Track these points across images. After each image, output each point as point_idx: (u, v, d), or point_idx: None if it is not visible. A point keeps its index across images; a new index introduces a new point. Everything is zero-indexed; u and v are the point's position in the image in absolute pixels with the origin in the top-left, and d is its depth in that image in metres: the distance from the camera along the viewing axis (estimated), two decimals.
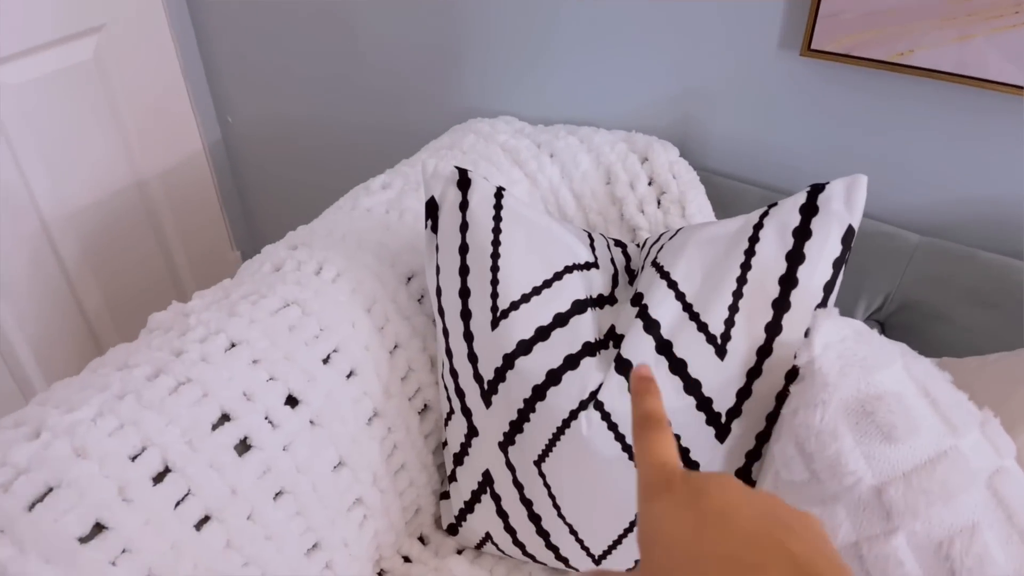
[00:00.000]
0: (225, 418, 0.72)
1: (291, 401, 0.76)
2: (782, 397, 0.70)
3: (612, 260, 0.83)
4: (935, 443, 0.56)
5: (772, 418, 0.71)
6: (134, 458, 0.65)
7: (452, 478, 0.88)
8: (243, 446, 0.72)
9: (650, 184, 0.98)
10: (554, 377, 0.72)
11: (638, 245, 0.91)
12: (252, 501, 0.71)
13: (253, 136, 1.59)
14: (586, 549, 0.80)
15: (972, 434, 0.57)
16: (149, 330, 0.80)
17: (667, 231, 0.83)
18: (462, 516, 0.88)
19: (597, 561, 0.81)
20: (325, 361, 0.80)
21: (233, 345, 0.77)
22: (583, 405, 0.70)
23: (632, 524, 0.76)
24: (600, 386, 0.71)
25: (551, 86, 1.13)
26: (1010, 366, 0.70)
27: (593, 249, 0.81)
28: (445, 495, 0.91)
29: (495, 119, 1.14)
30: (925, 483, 0.55)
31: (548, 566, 0.87)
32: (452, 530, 0.90)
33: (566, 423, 0.71)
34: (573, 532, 0.79)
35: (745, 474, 0.73)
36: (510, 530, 0.83)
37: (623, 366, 0.70)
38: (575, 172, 1.01)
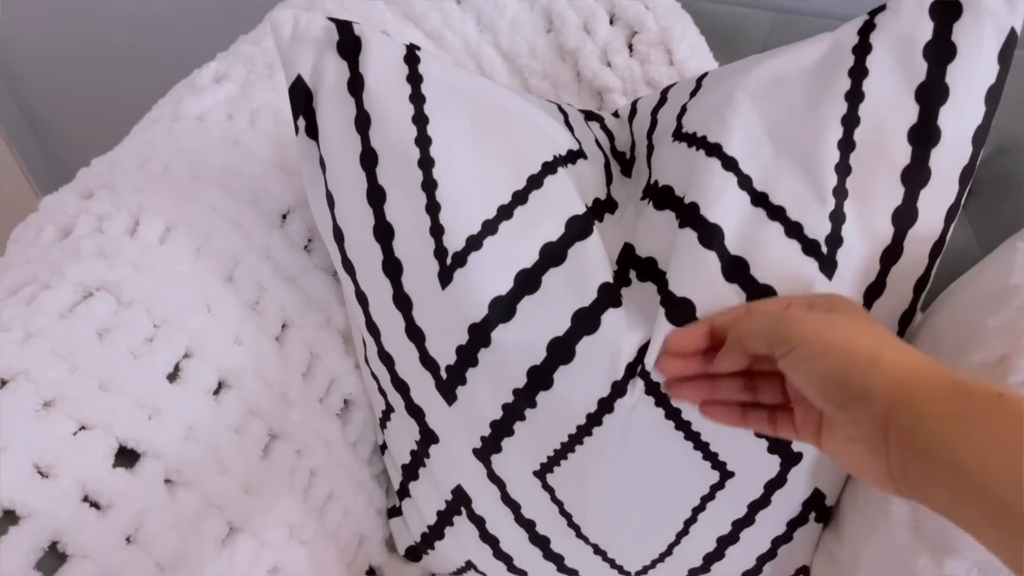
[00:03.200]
0: (9, 520, 0.41)
1: (125, 458, 0.46)
2: (907, 319, 0.45)
3: (597, 142, 0.54)
4: None
5: None
6: None
7: (404, 493, 0.60)
8: (54, 558, 0.42)
9: (612, 24, 0.68)
10: (562, 350, 0.44)
11: (615, 114, 0.62)
12: None
13: (29, 37, 1.16)
14: (618, 568, 0.56)
15: None
16: None
17: (674, 85, 0.55)
18: (427, 543, 0.61)
19: None
20: (172, 378, 0.49)
21: (1, 384, 0.44)
22: (619, 389, 0.43)
23: (688, 525, 0.51)
24: (643, 351, 0.43)
25: None
26: None
27: (571, 128, 0.51)
28: (394, 511, 0.64)
29: None
30: None
31: None
32: (413, 555, 0.64)
33: (594, 419, 0.44)
34: (600, 552, 0.54)
35: None
36: (503, 557, 0.57)
37: (680, 309, 0.43)
38: (499, 21, 0.70)
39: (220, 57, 0.70)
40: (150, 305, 0.49)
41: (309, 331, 0.56)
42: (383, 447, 0.61)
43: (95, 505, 0.44)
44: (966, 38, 0.40)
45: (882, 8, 0.43)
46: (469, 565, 0.60)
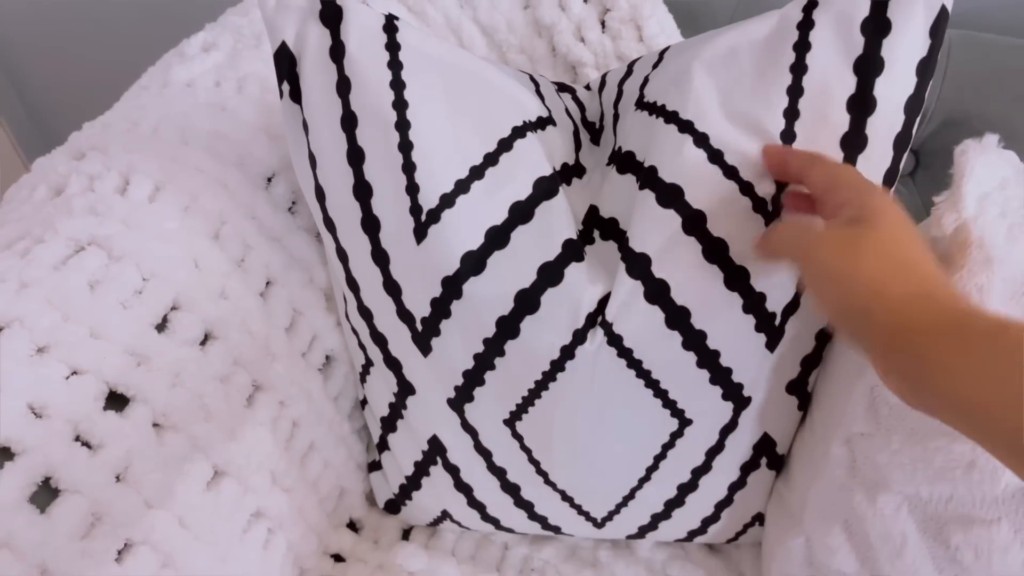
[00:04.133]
0: (4, 455, 0.44)
1: (115, 401, 0.48)
2: None
3: (567, 111, 0.57)
4: None
5: None
6: None
7: (383, 446, 0.63)
8: (46, 493, 0.45)
9: (586, 1, 0.71)
10: (528, 301, 0.47)
11: (587, 87, 0.65)
12: (81, 575, 0.44)
13: (18, 6, 1.16)
14: (585, 514, 0.59)
15: None
16: None
17: (640, 58, 0.58)
18: (405, 493, 0.64)
19: (599, 525, 0.60)
20: (160, 328, 0.51)
21: None
22: (580, 336, 0.46)
23: (649, 472, 0.55)
24: (603, 301, 0.46)
25: None
26: None
27: (542, 97, 0.54)
28: (373, 465, 0.67)
29: None
30: None
31: (530, 535, 0.66)
32: (392, 508, 0.67)
33: (557, 365, 0.47)
34: (567, 498, 0.58)
35: (800, 386, 0.52)
36: (476, 505, 0.61)
37: (636, 264, 0.46)
38: None
39: (208, 27, 0.72)
40: (139, 259, 0.52)
41: (293, 288, 0.59)
42: (363, 402, 0.64)
43: (86, 444, 0.46)
44: (900, 14, 0.44)
45: None
46: (445, 515, 0.64)
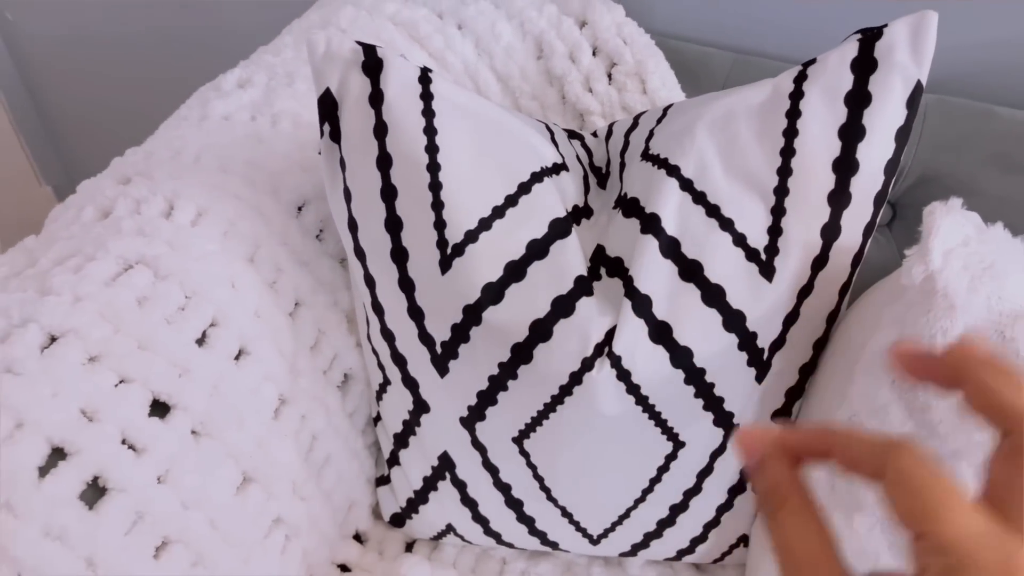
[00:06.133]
0: (58, 455, 0.48)
1: (159, 409, 0.52)
2: (833, 318, 0.54)
3: (577, 157, 0.63)
4: None
5: (820, 345, 0.55)
6: None
7: (394, 461, 0.67)
8: (95, 491, 0.49)
9: (595, 55, 0.77)
10: (542, 330, 0.51)
11: (594, 134, 0.70)
12: (123, 568, 0.48)
13: (46, 36, 1.22)
14: (582, 531, 0.63)
15: None
16: None
17: (645, 112, 0.63)
18: (412, 507, 0.68)
19: (595, 542, 0.64)
20: (200, 342, 0.56)
21: (53, 340, 0.51)
22: (587, 364, 0.51)
23: (645, 493, 0.59)
24: (610, 334, 0.51)
25: None
26: None
27: (556, 145, 0.60)
28: (382, 480, 0.71)
29: None
30: None
31: (528, 551, 0.70)
32: (398, 521, 0.71)
33: (565, 389, 0.52)
34: (567, 515, 0.62)
35: (784, 415, 0.57)
36: (480, 520, 0.65)
37: (642, 304, 0.51)
38: (495, 47, 0.78)
39: (243, 65, 0.77)
40: (183, 278, 0.56)
41: (318, 310, 0.63)
42: (376, 419, 0.69)
43: (132, 448, 0.50)
44: (879, 87, 0.50)
45: (813, 61, 0.52)
46: (449, 528, 0.68)
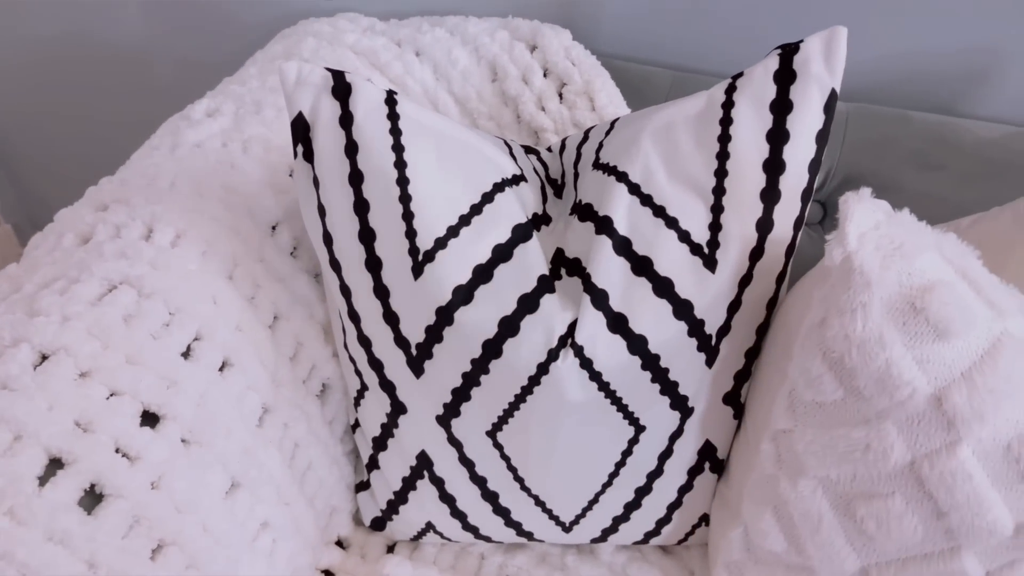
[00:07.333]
0: (56, 465, 0.50)
1: (149, 419, 0.55)
2: (772, 304, 0.59)
3: (535, 170, 0.67)
4: (986, 331, 0.47)
5: (762, 331, 0.60)
6: None
7: (373, 465, 0.70)
8: (92, 497, 0.51)
9: (546, 76, 0.82)
10: (510, 326, 0.56)
11: (548, 149, 0.75)
12: (122, 569, 0.50)
13: (1, 75, 1.23)
14: (555, 518, 0.67)
15: (1016, 315, 0.49)
16: None
17: (594, 127, 0.69)
18: (392, 508, 0.71)
19: (567, 529, 0.68)
20: (185, 355, 0.59)
21: (44, 358, 0.54)
22: (553, 354, 0.56)
23: (611, 477, 0.64)
24: (572, 326, 0.56)
25: None
26: (991, 229, 0.64)
27: (515, 158, 0.65)
28: (361, 486, 0.74)
29: (333, 17, 0.92)
30: (990, 380, 0.46)
31: (505, 543, 0.74)
32: (378, 525, 0.74)
33: (534, 380, 0.56)
34: (540, 503, 0.66)
35: (734, 398, 0.62)
36: (459, 515, 0.68)
37: (600, 298, 0.56)
38: (452, 71, 0.83)
39: (210, 95, 0.80)
40: (166, 296, 0.59)
41: (296, 322, 0.67)
42: (355, 426, 0.72)
43: (126, 456, 0.53)
44: (799, 96, 0.56)
45: (741, 74, 0.58)
46: (429, 527, 0.71)
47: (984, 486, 0.48)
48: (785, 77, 0.56)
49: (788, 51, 0.57)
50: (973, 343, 0.47)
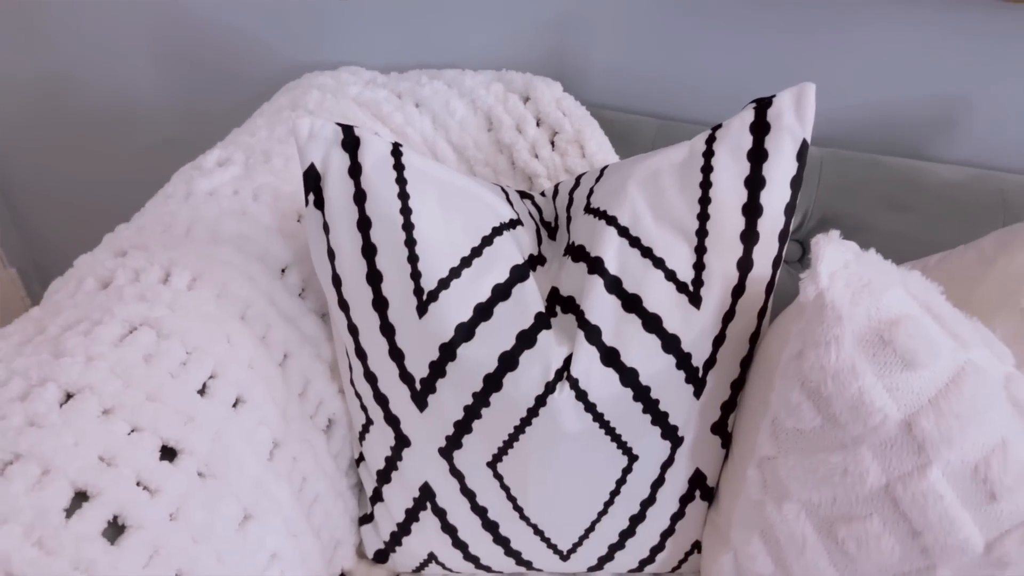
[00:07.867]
0: (81, 497, 0.53)
1: (168, 454, 0.58)
2: (754, 338, 0.63)
3: (530, 214, 0.72)
4: (951, 361, 0.51)
5: (746, 363, 0.64)
6: None
7: (376, 498, 0.73)
8: (115, 528, 0.54)
9: (538, 126, 0.87)
10: (509, 361, 0.59)
11: (542, 194, 0.80)
12: None
13: (5, 119, 1.27)
14: (553, 547, 0.70)
15: (979, 346, 0.53)
16: None
17: (585, 173, 0.73)
18: (395, 540, 0.74)
19: (565, 557, 0.71)
20: (202, 392, 0.62)
21: (69, 396, 0.57)
22: (550, 387, 0.59)
23: (606, 506, 0.67)
24: (568, 360, 0.59)
25: (398, 25, 0.98)
26: (957, 265, 0.68)
27: (511, 204, 0.69)
28: (365, 519, 0.77)
29: (336, 71, 0.97)
30: (955, 406, 0.50)
31: (504, 573, 0.76)
32: (381, 557, 0.76)
33: (532, 411, 0.60)
34: (539, 532, 0.69)
35: (721, 427, 0.66)
36: (460, 545, 0.71)
37: (593, 333, 0.59)
38: (450, 121, 0.88)
39: (220, 145, 0.85)
40: (184, 337, 0.63)
41: (304, 360, 0.70)
42: (359, 460, 0.75)
43: (146, 489, 0.56)
44: (773, 145, 0.60)
45: (720, 125, 0.63)
46: (431, 558, 0.74)
47: (955, 506, 0.52)
48: (760, 128, 0.61)
49: (762, 104, 0.62)
50: (939, 372, 0.51)
